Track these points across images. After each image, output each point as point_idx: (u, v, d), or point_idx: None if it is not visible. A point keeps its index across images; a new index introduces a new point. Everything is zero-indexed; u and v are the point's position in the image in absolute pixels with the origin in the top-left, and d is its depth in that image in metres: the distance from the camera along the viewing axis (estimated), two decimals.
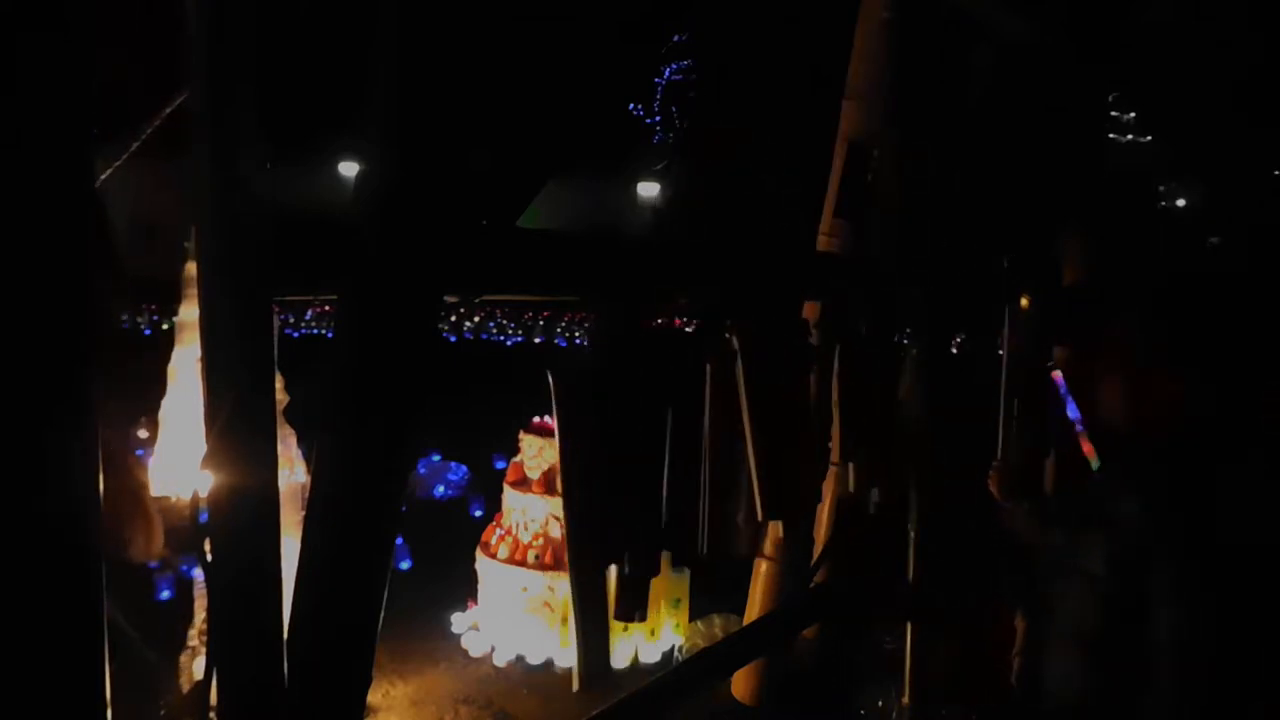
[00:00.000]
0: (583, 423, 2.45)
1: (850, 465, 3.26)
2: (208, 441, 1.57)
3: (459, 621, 5.30)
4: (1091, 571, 2.03)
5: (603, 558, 2.51)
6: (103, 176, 2.08)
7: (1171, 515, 1.95)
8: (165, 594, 5.38)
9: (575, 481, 2.45)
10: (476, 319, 20.34)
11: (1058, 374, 3.28)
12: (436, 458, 8.17)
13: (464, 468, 8.20)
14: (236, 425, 1.57)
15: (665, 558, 3.76)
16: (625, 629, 4.78)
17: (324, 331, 17.10)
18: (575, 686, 2.45)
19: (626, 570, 2.53)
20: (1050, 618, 2.20)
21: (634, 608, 2.56)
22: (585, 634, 2.46)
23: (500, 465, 7.33)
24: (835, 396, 3.13)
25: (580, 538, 2.45)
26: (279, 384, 2.73)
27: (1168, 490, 1.98)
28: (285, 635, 1.67)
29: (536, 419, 5.41)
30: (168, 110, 2.29)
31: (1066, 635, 2.11)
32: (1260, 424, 2.08)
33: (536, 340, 19.84)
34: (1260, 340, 2.18)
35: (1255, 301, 2.39)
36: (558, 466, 2.55)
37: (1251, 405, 2.09)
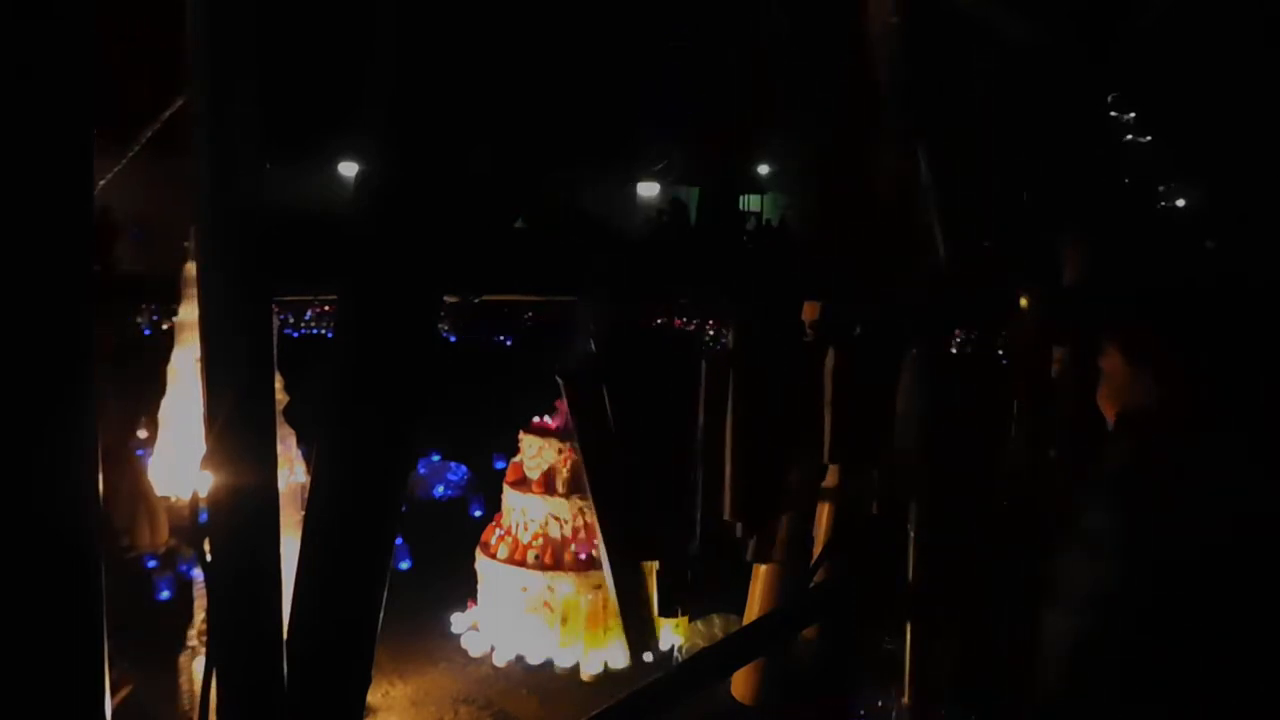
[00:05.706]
0: (596, 420, 2.46)
1: (846, 466, 3.26)
2: (208, 441, 1.57)
3: (459, 621, 5.30)
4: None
5: (638, 553, 2.56)
6: (105, 178, 2.08)
7: (1155, 515, 1.94)
8: (165, 594, 5.38)
9: (599, 477, 2.47)
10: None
11: None
12: (436, 458, 8.17)
13: (464, 468, 8.20)
14: (236, 425, 1.57)
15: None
16: None
17: (324, 331, 17.06)
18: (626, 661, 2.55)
19: (661, 568, 2.58)
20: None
21: (674, 602, 2.65)
22: (627, 614, 2.56)
23: (500, 465, 7.32)
24: (828, 397, 3.13)
25: (613, 534, 2.49)
26: (279, 384, 2.74)
27: (1153, 491, 1.98)
28: (285, 635, 1.67)
29: (536, 419, 5.40)
30: (169, 112, 2.29)
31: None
32: (1260, 425, 2.08)
33: None
34: (1261, 341, 2.18)
35: (1256, 303, 2.39)
36: (581, 465, 2.61)
37: (1252, 406, 2.08)
